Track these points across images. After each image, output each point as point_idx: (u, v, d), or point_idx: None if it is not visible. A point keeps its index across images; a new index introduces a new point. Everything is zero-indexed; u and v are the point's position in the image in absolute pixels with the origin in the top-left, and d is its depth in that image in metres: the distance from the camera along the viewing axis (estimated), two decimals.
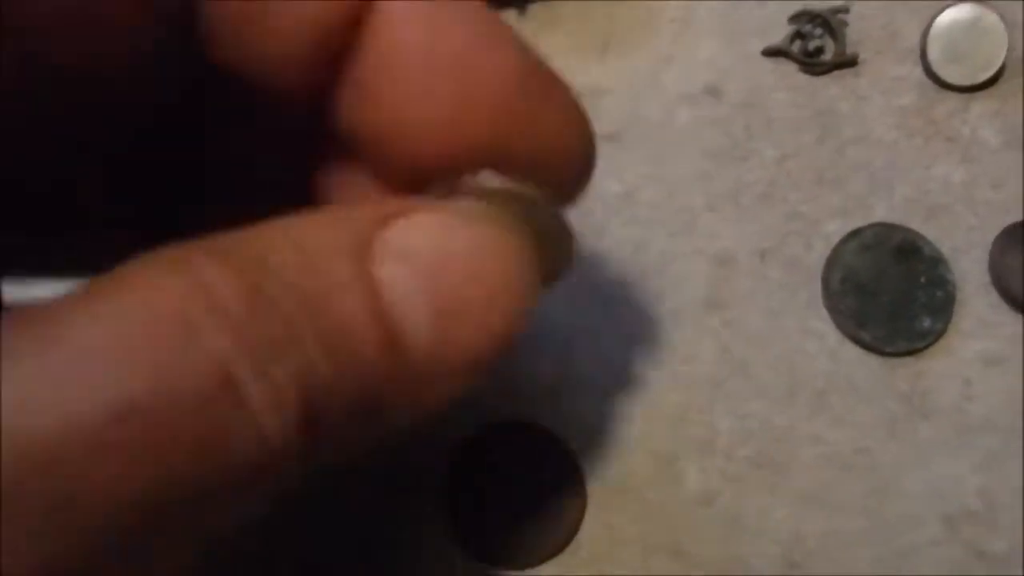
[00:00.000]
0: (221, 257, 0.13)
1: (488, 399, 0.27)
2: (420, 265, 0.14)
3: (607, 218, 0.28)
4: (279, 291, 0.13)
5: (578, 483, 0.27)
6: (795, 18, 0.30)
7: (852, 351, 0.28)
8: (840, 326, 0.28)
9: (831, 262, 0.29)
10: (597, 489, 0.27)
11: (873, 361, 0.28)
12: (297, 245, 0.13)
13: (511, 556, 0.26)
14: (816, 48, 0.30)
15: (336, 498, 0.26)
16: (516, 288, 0.15)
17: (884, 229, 0.29)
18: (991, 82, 0.30)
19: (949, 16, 0.30)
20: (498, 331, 0.15)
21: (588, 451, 0.27)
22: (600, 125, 0.18)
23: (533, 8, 0.29)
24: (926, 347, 0.28)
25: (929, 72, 0.30)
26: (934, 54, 0.30)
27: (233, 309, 0.12)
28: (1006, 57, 0.30)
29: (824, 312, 0.28)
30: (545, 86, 0.17)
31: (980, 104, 0.30)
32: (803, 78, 0.30)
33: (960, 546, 0.27)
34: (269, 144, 0.18)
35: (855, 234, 0.29)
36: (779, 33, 0.30)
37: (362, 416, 0.14)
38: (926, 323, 0.28)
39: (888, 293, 0.28)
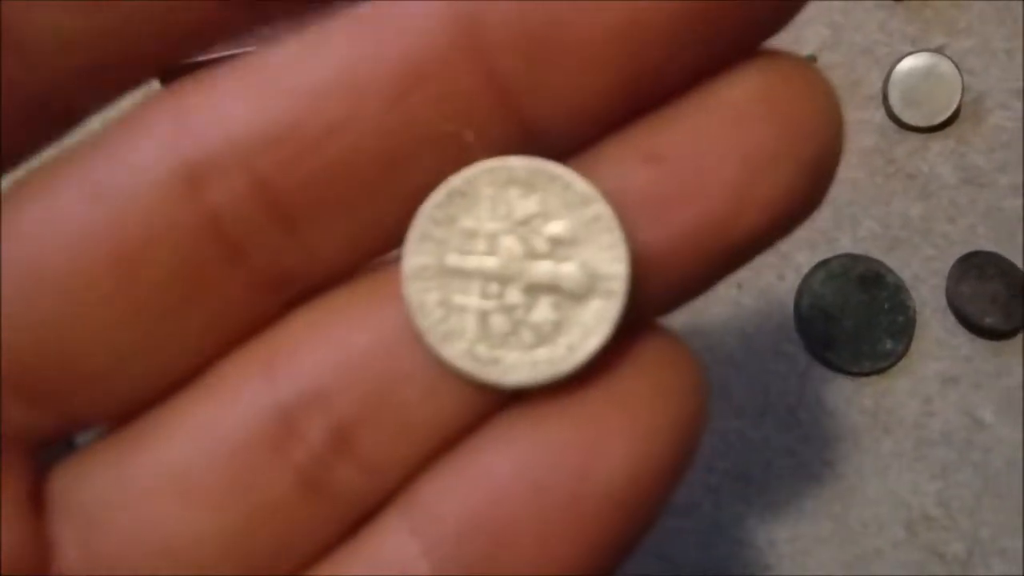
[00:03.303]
0: None
1: None
2: None
3: None
4: None
5: None
6: None
7: (820, 372, 0.31)
8: (809, 349, 0.31)
9: (801, 290, 0.31)
10: None
11: (840, 381, 0.31)
12: None
13: None
14: None
15: None
16: None
17: (849, 260, 0.31)
18: (948, 123, 0.33)
19: (907, 64, 0.32)
20: None
21: None
22: None
23: None
24: (889, 367, 0.31)
25: (890, 115, 0.33)
26: (894, 99, 0.32)
27: None
28: (961, 100, 0.32)
29: (795, 336, 0.31)
30: None
31: (938, 144, 0.33)
32: None
33: (920, 549, 0.30)
34: None
35: (823, 265, 0.31)
36: None
37: None
38: (888, 345, 0.31)
39: (853, 318, 0.31)
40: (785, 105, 0.12)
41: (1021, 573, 0.30)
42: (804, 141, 0.12)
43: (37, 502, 0.14)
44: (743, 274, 0.31)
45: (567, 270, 0.13)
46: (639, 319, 0.13)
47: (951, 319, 0.31)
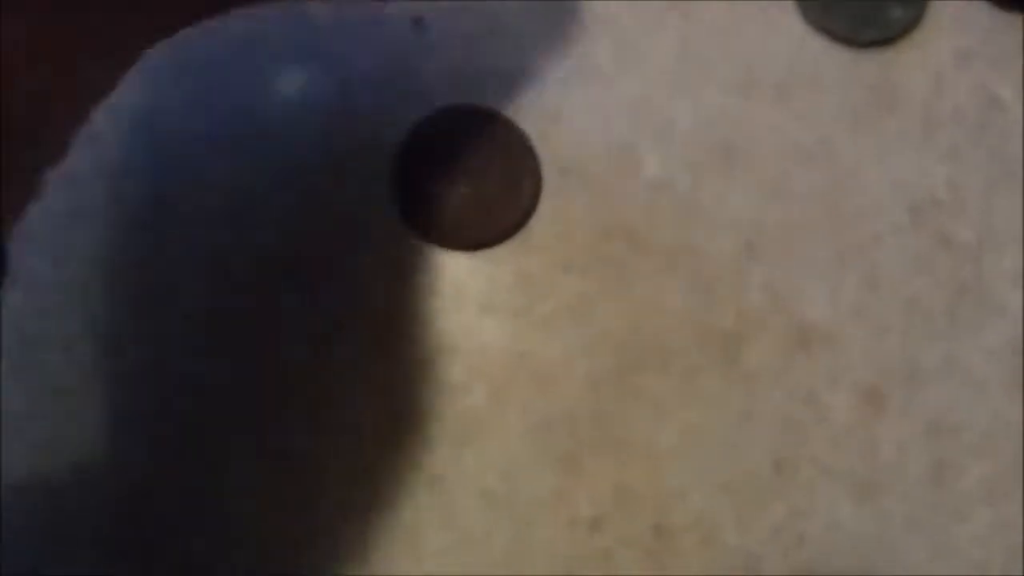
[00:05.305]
0: None
1: (441, 87, 0.27)
2: None
3: None
4: None
5: (532, 167, 0.26)
6: None
7: (818, 41, 0.27)
8: (806, 15, 0.27)
9: None
10: (552, 175, 0.26)
11: (839, 52, 0.27)
12: None
13: (462, 237, 0.26)
14: None
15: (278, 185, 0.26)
16: None
17: None
18: None
19: None
20: None
21: (544, 138, 0.26)
22: None
23: None
24: (896, 38, 0.27)
25: None
26: None
27: None
28: None
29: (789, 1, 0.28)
30: None
31: None
32: None
33: (925, 235, 0.27)
34: None
35: None
36: None
37: None
38: (897, 12, 0.27)
39: None
40: None
41: None
42: None
43: None
44: None
45: None
46: None
47: None
